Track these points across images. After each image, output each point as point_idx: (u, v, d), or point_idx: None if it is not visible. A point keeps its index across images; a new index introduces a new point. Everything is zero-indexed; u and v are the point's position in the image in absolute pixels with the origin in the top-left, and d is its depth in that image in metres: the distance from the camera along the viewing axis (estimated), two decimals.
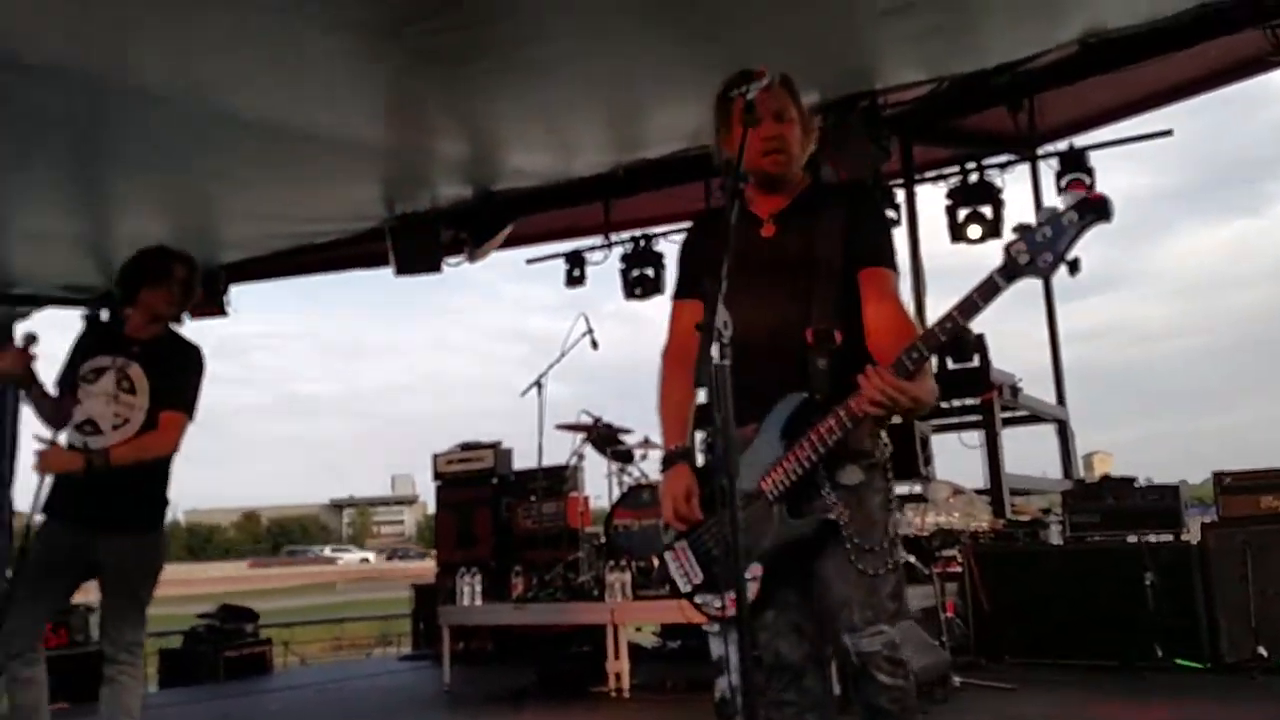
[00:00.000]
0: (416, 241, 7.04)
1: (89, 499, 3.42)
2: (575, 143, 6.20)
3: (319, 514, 78.85)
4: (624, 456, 6.81)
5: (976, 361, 7.37)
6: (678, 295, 2.62)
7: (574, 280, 8.66)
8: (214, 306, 8.20)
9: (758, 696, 2.08)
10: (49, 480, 3.47)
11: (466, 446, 8.20)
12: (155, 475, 3.59)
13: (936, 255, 7.48)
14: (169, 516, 3.81)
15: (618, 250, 8.35)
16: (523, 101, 5.24)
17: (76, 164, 5.84)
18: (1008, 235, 2.12)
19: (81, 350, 3.65)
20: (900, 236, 7.33)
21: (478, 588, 6.38)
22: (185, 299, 3.72)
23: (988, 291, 2.11)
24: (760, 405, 2.29)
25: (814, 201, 2.45)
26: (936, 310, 2.72)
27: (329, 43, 4.39)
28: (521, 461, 8.07)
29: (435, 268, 7.22)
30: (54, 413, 3.55)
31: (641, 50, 4.73)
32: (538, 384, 6.58)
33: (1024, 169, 7.34)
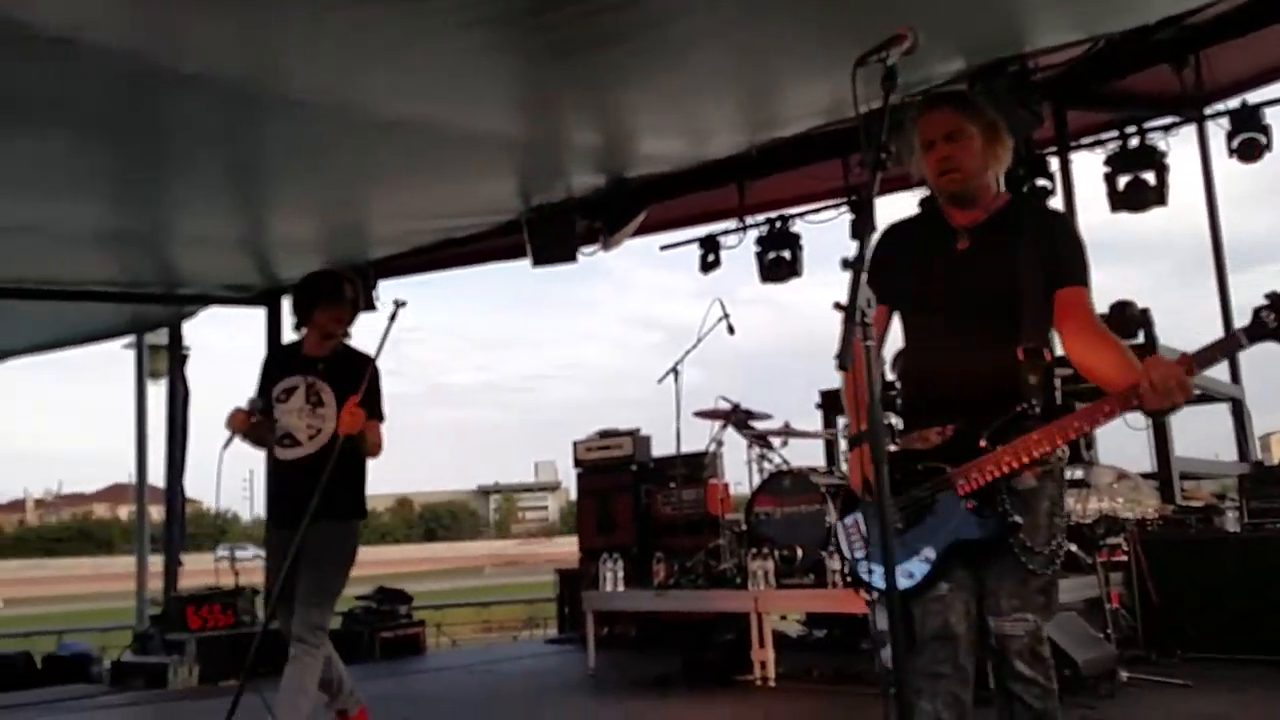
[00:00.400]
0: (552, 232, 7.10)
1: (300, 495, 3.79)
2: (707, 125, 6.11)
3: (467, 500, 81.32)
4: (764, 442, 6.71)
5: (1141, 338, 6.96)
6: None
7: (709, 265, 8.58)
8: (365, 303, 8.48)
9: (917, 668, 2.40)
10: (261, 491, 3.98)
11: (605, 434, 8.24)
12: (355, 473, 4.02)
13: (1093, 227, 7.07)
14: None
15: (753, 233, 8.24)
16: (654, 86, 5.19)
17: (233, 170, 6.12)
18: (1256, 299, 2.21)
19: (269, 375, 4.09)
20: (1055, 204, 6.96)
21: (620, 573, 6.41)
22: (354, 315, 4.10)
23: (1229, 348, 2.30)
24: (955, 410, 2.47)
25: (1011, 218, 2.56)
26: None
27: (464, 39, 4.43)
28: (660, 448, 8.07)
29: (571, 257, 7.26)
30: (265, 435, 4.04)
31: (773, 25, 4.59)
32: (674, 371, 6.53)
33: (1189, 131, 6.87)
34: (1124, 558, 5.74)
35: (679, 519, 7.35)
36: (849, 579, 2.81)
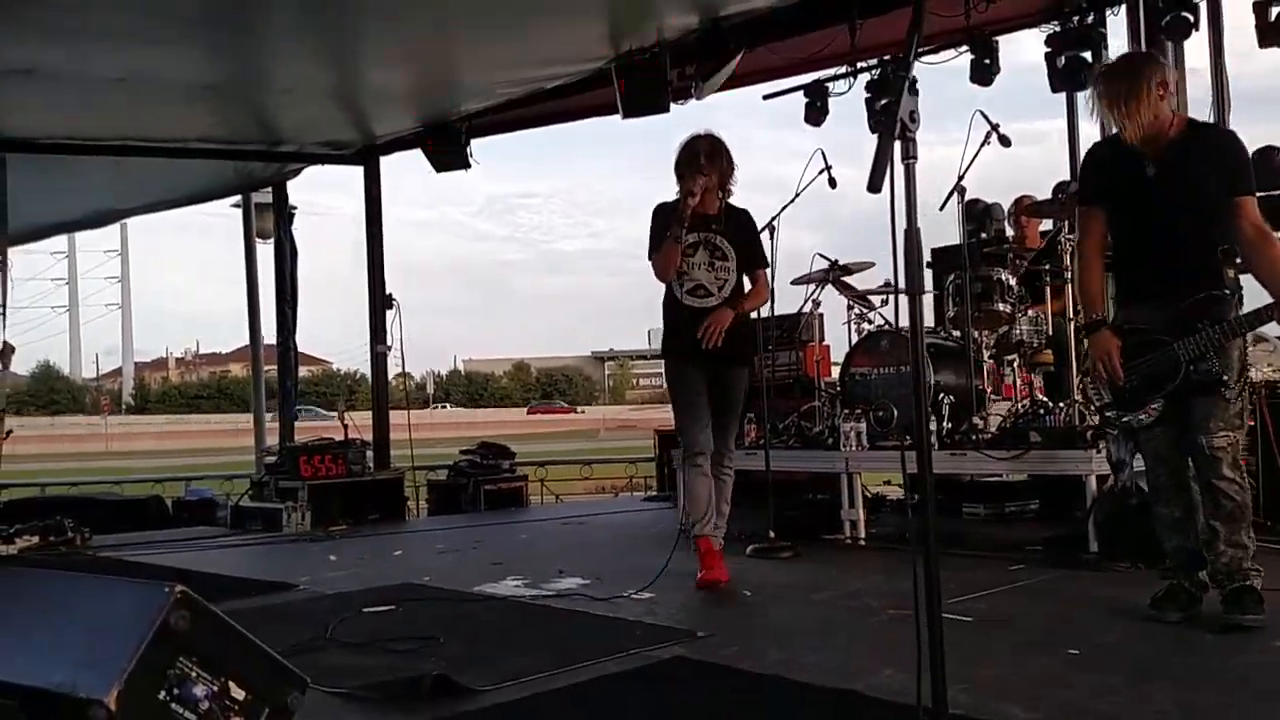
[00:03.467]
0: (642, 80, 6.77)
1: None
2: None
3: (582, 366, 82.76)
4: (864, 301, 6.43)
5: None
6: (1084, 201, 3.66)
7: (815, 116, 8.14)
8: (459, 160, 8.39)
9: (1149, 482, 3.59)
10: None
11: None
12: (751, 321, 4.81)
13: (1237, 68, 6.39)
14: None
15: (864, 79, 7.73)
16: None
17: (320, 13, 5.95)
18: None
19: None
20: (1199, 46, 6.29)
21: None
22: (724, 171, 4.46)
23: None
24: (1161, 291, 3.38)
25: (1189, 142, 3.36)
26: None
27: None
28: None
29: (664, 107, 6.93)
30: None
31: None
32: (770, 226, 6.23)
33: None
34: (1252, 423, 5.37)
35: (777, 382, 7.19)
36: (1099, 422, 4.35)
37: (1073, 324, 5.50)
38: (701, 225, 4.40)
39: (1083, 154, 3.88)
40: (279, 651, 2.30)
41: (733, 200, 4.57)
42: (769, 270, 4.78)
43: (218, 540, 7.10)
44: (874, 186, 1.73)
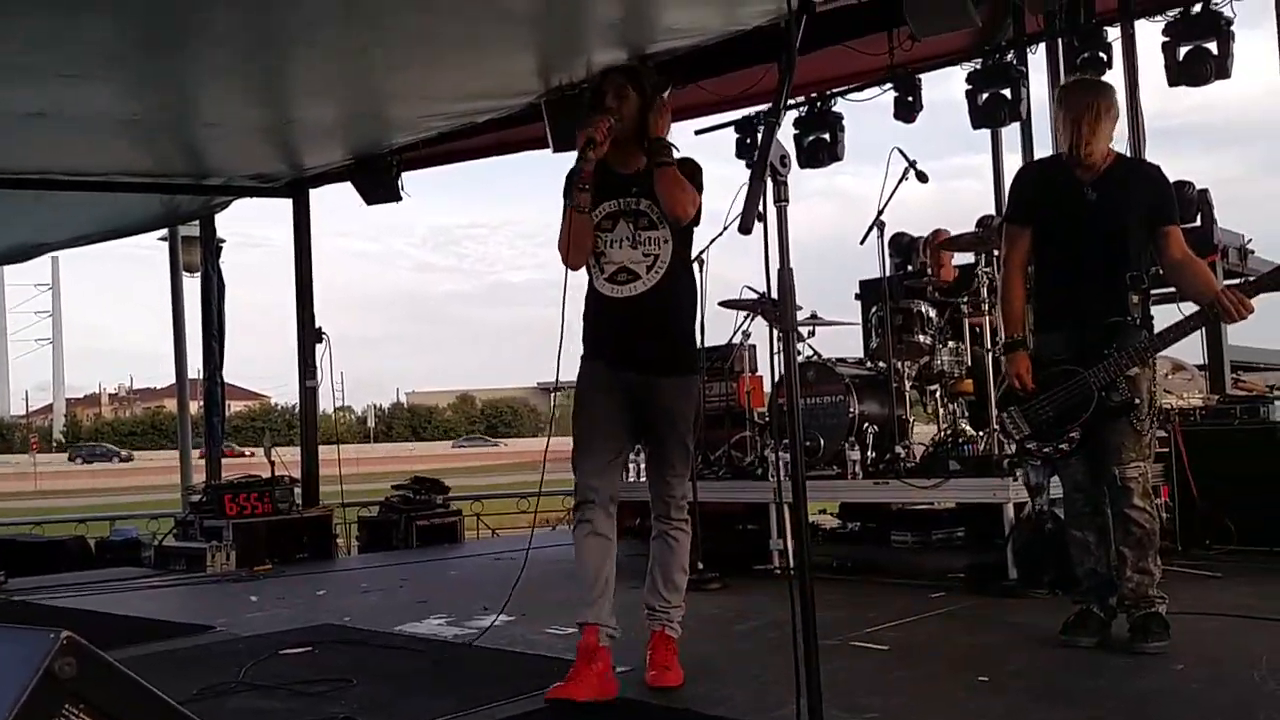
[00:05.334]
0: (572, 115, 6.81)
1: (642, 338, 3.34)
2: None
3: (528, 397, 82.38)
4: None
5: (1198, 220, 6.57)
6: (1014, 220, 3.68)
7: (745, 150, 8.26)
8: (389, 193, 8.36)
9: (1066, 510, 3.69)
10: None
11: None
12: (692, 325, 3.54)
13: (1155, 105, 6.61)
14: None
15: (792, 115, 7.87)
16: None
17: (246, 47, 5.87)
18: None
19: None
20: (1115, 83, 6.48)
21: (642, 464, 6.33)
22: (647, 111, 3.30)
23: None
24: (1076, 318, 3.51)
25: (1121, 173, 3.52)
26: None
27: None
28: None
29: None
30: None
31: None
32: (699, 259, 6.29)
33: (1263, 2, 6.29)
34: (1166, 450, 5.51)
35: (708, 413, 7.22)
36: (1017, 453, 3.99)
37: (990, 355, 5.61)
38: (618, 189, 3.31)
39: (1006, 189, 4.00)
40: (188, 695, 2.25)
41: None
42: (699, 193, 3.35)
43: (139, 581, 6.92)
44: (745, 228, 1.77)
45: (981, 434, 5.55)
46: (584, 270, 3.38)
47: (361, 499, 9.55)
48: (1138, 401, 3.39)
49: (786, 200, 1.80)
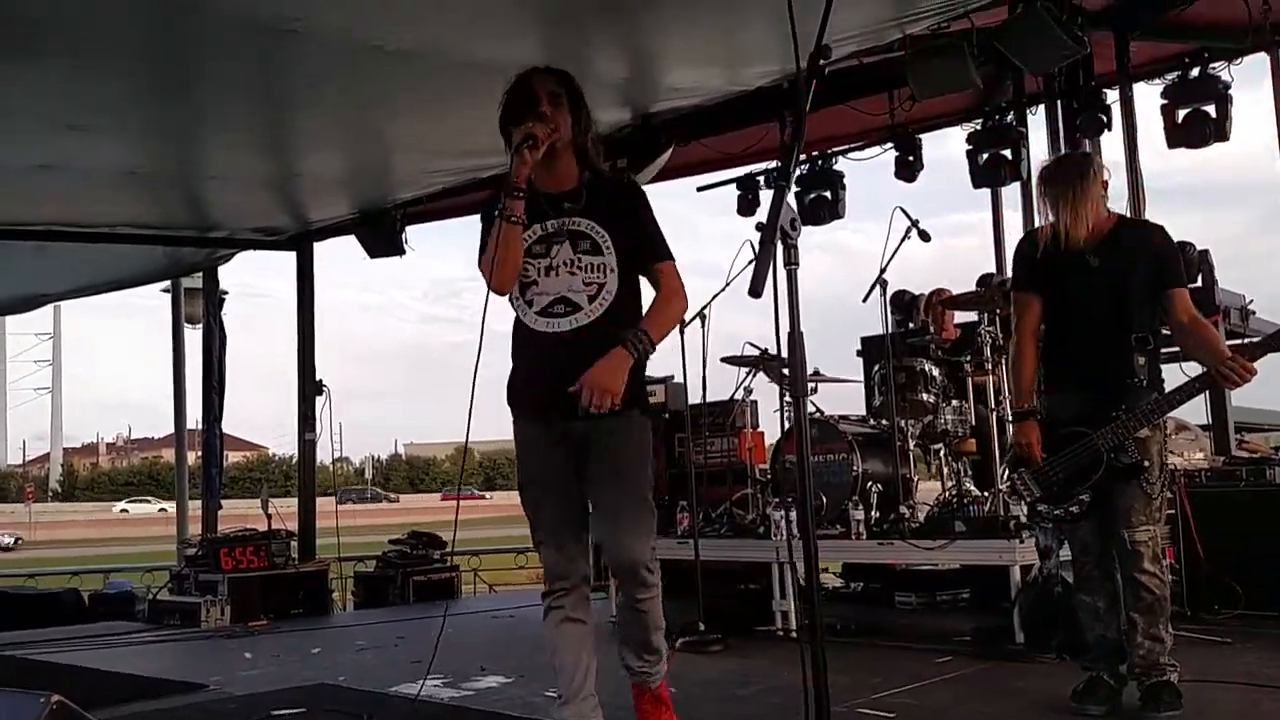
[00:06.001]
0: None
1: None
2: (737, 51, 5.81)
3: None
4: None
5: (1199, 281, 6.57)
6: (1019, 287, 3.69)
7: (747, 207, 8.32)
8: (393, 246, 8.40)
9: (1075, 574, 3.65)
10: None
11: None
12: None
13: (1155, 165, 6.66)
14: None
15: (795, 173, 7.92)
16: (677, 3, 4.90)
17: (253, 102, 5.95)
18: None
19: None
20: (1115, 145, 6.56)
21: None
22: (580, 119, 2.97)
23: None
24: (1083, 381, 3.52)
25: (1124, 236, 3.52)
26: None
27: None
28: (694, 395, 7.86)
29: None
30: None
31: None
32: (700, 315, 6.29)
33: (1259, 61, 6.37)
34: (1172, 511, 5.46)
35: (709, 469, 7.17)
36: (1029, 516, 4.10)
37: (994, 414, 5.58)
38: (551, 208, 2.90)
39: (1010, 244, 4.04)
40: None
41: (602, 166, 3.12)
42: (675, 266, 2.98)
43: (132, 637, 6.82)
44: (755, 291, 1.75)
45: (986, 494, 5.50)
46: (508, 306, 2.95)
47: (358, 553, 9.45)
48: (1147, 464, 3.37)
49: (797, 263, 1.78)
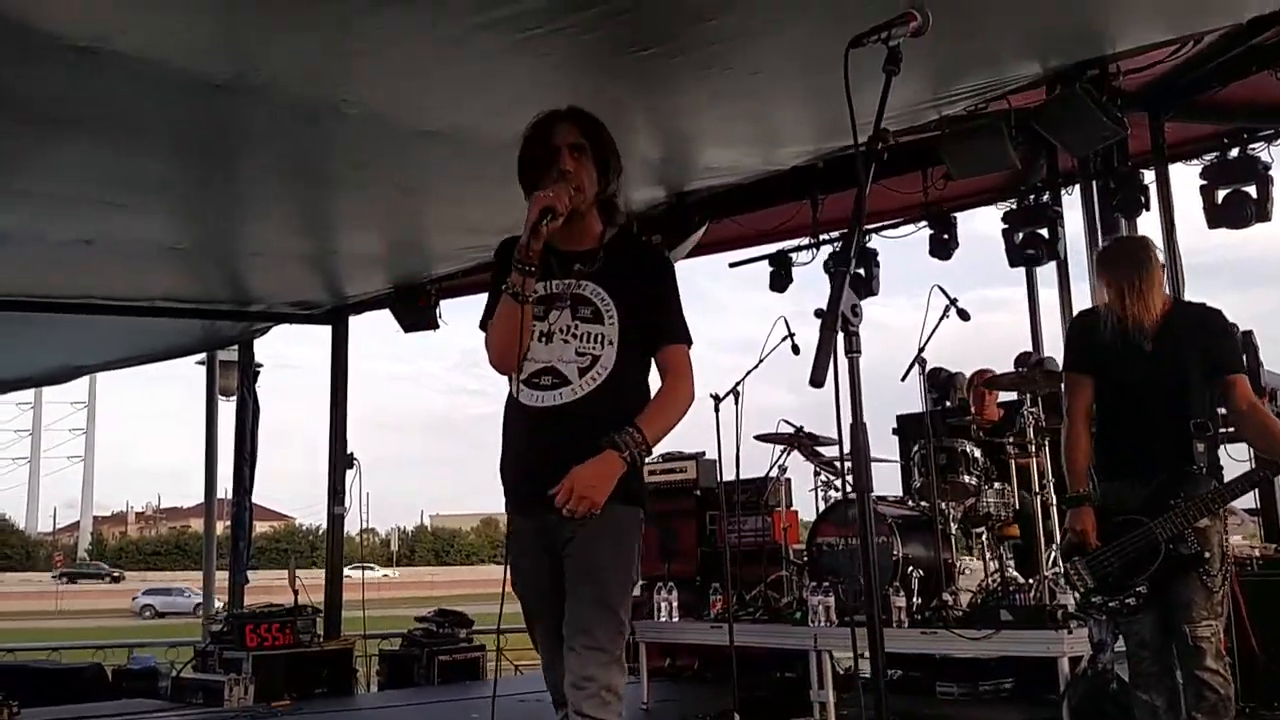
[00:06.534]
0: None
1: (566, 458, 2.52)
2: (772, 133, 5.85)
3: None
4: (830, 468, 6.37)
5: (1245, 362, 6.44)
6: (1073, 369, 3.65)
7: (780, 283, 8.29)
8: (427, 320, 8.43)
9: (1132, 670, 3.47)
10: None
11: (668, 457, 7.97)
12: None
13: (1190, 241, 6.59)
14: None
15: (827, 250, 7.92)
16: (710, 88, 4.95)
17: (292, 181, 6.05)
18: None
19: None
20: (1152, 225, 6.50)
21: (675, 604, 6.15)
22: (605, 167, 2.67)
23: None
24: (1140, 468, 3.42)
25: (1181, 320, 3.47)
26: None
27: (505, 42, 4.28)
28: (727, 472, 7.76)
29: None
30: None
31: (832, 21, 4.32)
32: (734, 392, 6.23)
33: None
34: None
35: (742, 548, 7.04)
36: (1081, 606, 3.80)
37: (1039, 498, 5.45)
38: (560, 267, 2.60)
39: (1046, 323, 3.97)
40: None
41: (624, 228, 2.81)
42: (688, 350, 2.64)
43: (154, 715, 6.72)
44: (817, 381, 1.69)
45: (1031, 581, 5.33)
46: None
47: (382, 630, 9.31)
48: (1208, 555, 3.26)
49: (859, 351, 1.72)
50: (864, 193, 1.86)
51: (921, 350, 5.52)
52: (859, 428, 1.72)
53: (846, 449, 1.83)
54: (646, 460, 2.59)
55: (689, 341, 2.64)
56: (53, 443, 76.79)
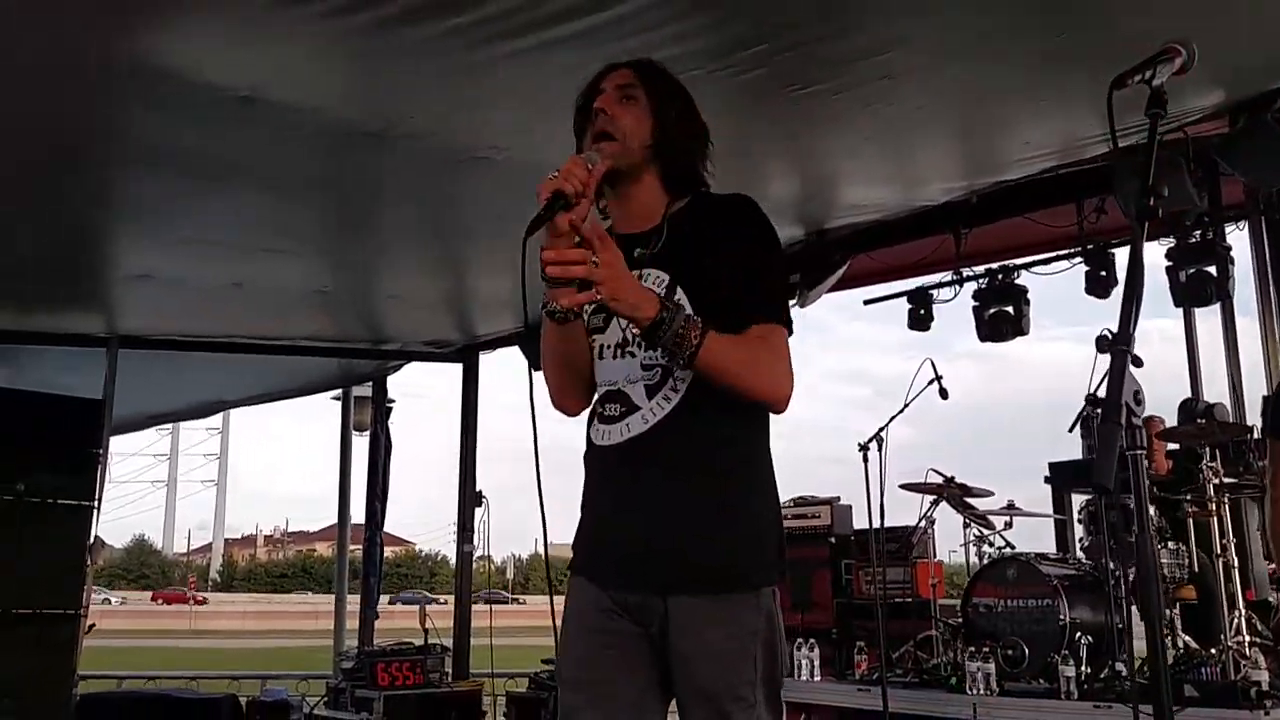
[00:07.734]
0: None
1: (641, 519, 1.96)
2: (919, 170, 5.60)
3: None
4: (984, 521, 6.02)
5: None
6: (1275, 434, 3.19)
7: (919, 321, 7.96)
8: None
9: None
10: None
11: (800, 501, 7.68)
12: (743, 457, 2.08)
13: None
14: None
15: (970, 285, 7.57)
16: (857, 128, 4.75)
17: (434, 229, 6.13)
18: None
19: None
20: None
21: (816, 661, 5.87)
22: (669, 129, 2.01)
23: None
24: None
25: None
26: None
27: None
28: (861, 517, 7.44)
29: None
30: None
31: (992, 57, 4.08)
32: (878, 438, 5.95)
33: None
34: None
35: (885, 602, 6.70)
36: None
37: (1220, 560, 5.01)
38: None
39: (1207, 366, 3.64)
40: None
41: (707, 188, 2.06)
42: (784, 334, 1.90)
43: None
44: (1101, 486, 1.44)
45: (1214, 652, 4.88)
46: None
47: (508, 663, 9.25)
48: None
49: (1143, 448, 1.46)
50: (1139, 265, 1.60)
51: (1089, 400, 5.14)
52: (1147, 541, 1.46)
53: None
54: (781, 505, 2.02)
55: (784, 322, 1.90)
56: (188, 466, 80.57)
